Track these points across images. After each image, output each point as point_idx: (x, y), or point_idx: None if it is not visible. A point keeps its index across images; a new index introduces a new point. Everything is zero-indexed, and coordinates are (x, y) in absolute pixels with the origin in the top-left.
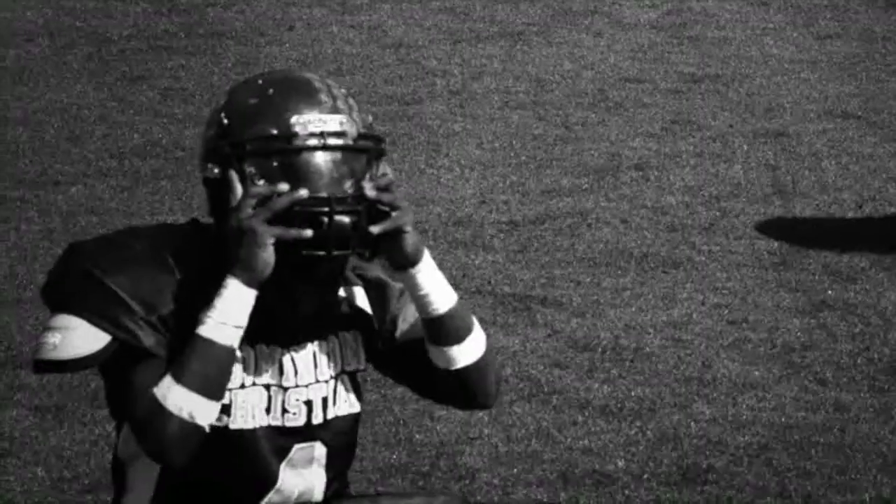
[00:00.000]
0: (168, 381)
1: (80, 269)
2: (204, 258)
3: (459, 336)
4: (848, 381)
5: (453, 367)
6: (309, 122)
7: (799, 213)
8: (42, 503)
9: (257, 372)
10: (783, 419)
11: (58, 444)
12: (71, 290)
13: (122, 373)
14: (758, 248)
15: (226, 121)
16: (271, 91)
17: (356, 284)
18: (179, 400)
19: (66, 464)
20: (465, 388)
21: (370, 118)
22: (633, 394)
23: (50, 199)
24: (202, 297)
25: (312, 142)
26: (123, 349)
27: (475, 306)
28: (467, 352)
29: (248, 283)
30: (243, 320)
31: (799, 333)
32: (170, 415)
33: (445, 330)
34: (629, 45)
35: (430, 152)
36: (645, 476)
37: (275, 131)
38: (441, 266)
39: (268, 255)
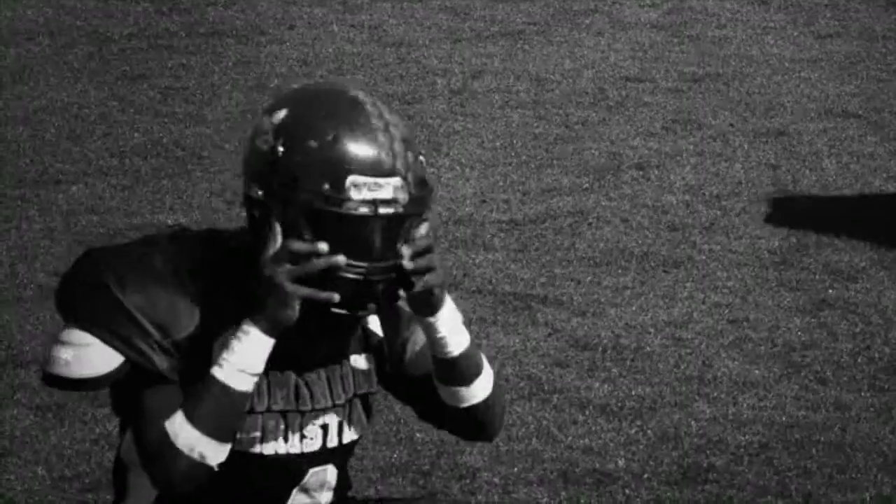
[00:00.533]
0: (181, 419)
1: (97, 284)
2: (222, 275)
3: (469, 377)
4: (848, 380)
5: (461, 405)
6: (364, 185)
7: (799, 212)
8: (43, 502)
9: (272, 398)
10: (784, 418)
11: (58, 443)
12: (87, 305)
13: (133, 392)
14: (758, 247)
15: (280, 149)
16: (331, 137)
17: None
18: (191, 440)
19: (66, 463)
20: (471, 424)
21: (423, 160)
22: (633, 393)
23: (50, 197)
24: (219, 319)
25: (363, 209)
26: (136, 370)
27: (475, 305)
28: (476, 391)
29: (269, 333)
30: (261, 367)
31: (799, 332)
32: (180, 453)
33: (457, 371)
34: (630, 45)
35: (430, 151)
36: (645, 475)
37: (327, 187)
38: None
39: (292, 312)
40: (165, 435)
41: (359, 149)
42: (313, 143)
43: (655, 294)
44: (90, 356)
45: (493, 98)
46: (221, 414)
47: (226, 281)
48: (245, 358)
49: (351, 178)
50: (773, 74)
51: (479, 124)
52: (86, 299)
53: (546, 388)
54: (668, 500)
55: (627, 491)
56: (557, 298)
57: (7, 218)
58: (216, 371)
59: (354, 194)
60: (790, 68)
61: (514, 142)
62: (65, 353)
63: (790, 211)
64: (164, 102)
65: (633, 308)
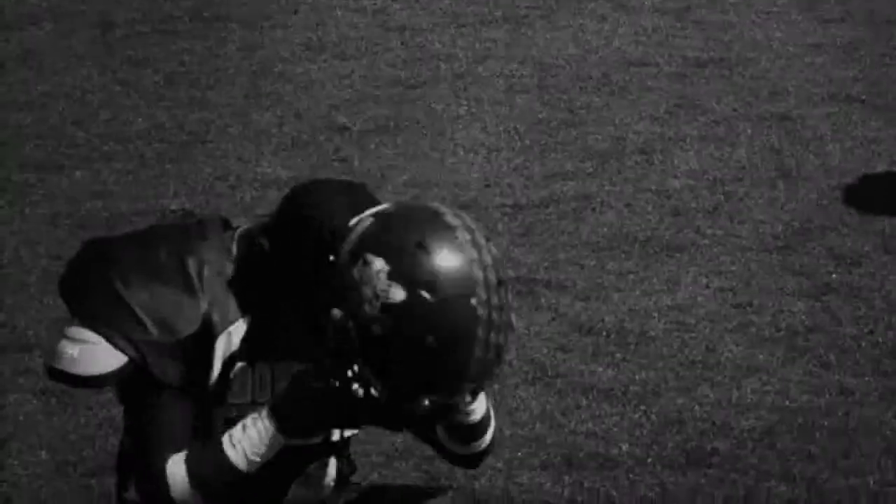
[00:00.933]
0: (182, 475)
1: (102, 280)
2: (228, 268)
3: (482, 434)
4: (852, 364)
5: (465, 453)
6: (437, 401)
7: (803, 196)
8: (46, 487)
9: (275, 391)
10: (787, 402)
11: (62, 427)
12: (92, 302)
13: (136, 394)
14: (762, 232)
15: (378, 331)
16: (429, 368)
17: None
18: (187, 496)
19: (70, 447)
20: (465, 461)
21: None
22: (637, 377)
23: (54, 182)
24: (222, 316)
25: (425, 412)
26: (138, 370)
27: None
28: (483, 441)
29: (288, 436)
30: (270, 456)
31: (803, 317)
32: (174, 500)
33: (474, 432)
34: (633, 29)
35: (434, 136)
36: (649, 459)
37: (402, 394)
38: None
39: (319, 439)
40: (164, 479)
41: (449, 383)
42: (420, 357)
43: (659, 278)
44: (96, 354)
45: (497, 83)
46: (222, 484)
47: (231, 275)
48: (259, 448)
49: (428, 398)
50: (777, 59)
51: (483, 109)
52: (91, 296)
53: (549, 372)
54: (671, 485)
55: (631, 475)
56: (561, 283)
57: (11, 203)
58: (227, 449)
59: (422, 408)
60: (794, 53)
61: (518, 126)
62: (70, 350)
63: (794, 195)
64: (168, 87)
65: (637, 292)
